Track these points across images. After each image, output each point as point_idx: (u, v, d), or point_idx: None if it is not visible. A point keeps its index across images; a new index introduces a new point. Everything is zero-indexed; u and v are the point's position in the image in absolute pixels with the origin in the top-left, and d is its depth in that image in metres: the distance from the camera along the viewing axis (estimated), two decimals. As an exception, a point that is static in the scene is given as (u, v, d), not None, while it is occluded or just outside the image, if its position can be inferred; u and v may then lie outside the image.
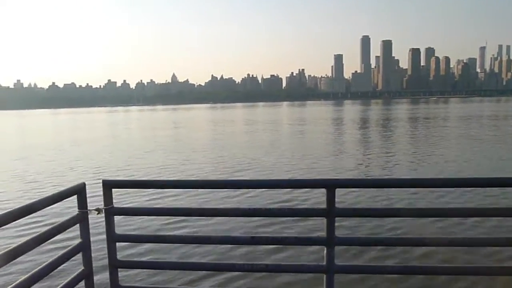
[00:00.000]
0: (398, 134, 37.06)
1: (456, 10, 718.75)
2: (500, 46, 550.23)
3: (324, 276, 3.19)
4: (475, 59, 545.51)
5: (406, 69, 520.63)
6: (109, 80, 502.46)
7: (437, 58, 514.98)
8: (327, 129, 44.80)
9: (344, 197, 11.59)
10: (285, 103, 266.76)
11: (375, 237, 3.74)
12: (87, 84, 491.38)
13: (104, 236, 3.45)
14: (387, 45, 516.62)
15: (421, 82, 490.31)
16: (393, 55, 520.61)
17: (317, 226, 8.45)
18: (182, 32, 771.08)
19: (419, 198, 11.82)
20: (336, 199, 3.04)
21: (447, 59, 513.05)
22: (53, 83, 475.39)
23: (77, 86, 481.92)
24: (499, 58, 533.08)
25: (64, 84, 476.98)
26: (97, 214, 3.27)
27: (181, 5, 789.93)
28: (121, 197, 11.95)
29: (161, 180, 4.23)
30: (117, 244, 3.45)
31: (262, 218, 9.27)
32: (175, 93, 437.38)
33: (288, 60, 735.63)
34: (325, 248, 3.14)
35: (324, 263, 3.16)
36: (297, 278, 6.68)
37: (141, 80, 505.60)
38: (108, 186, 3.30)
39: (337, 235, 3.12)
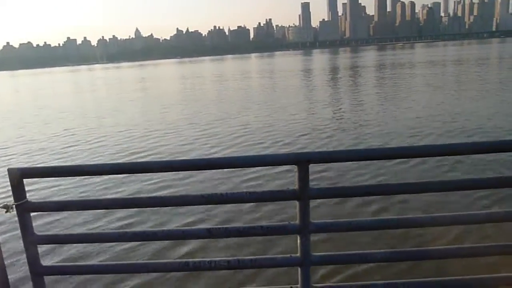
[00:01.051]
0: (368, 83, 38.20)
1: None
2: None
3: (299, 269, 2.79)
4: (439, 3, 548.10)
5: (373, 15, 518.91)
6: (68, 38, 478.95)
7: (403, 4, 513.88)
8: (295, 82, 45.48)
9: (320, 174, 9.89)
10: (253, 55, 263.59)
11: (359, 220, 3.04)
12: (45, 43, 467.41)
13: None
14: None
15: (387, 28, 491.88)
16: (359, 1, 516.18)
17: (287, 211, 7.50)
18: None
19: (412, 170, 10.28)
20: (310, 177, 2.60)
21: (412, 4, 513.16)
22: (8, 43, 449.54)
23: (34, 45, 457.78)
24: (462, 1, 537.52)
25: (20, 44, 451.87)
26: (6, 212, 2.56)
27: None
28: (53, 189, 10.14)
29: (92, 165, 3.22)
30: (42, 247, 2.91)
31: (219, 207, 8.08)
32: (140, 49, 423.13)
33: (255, 10, 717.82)
34: (298, 237, 2.72)
35: (298, 254, 2.74)
36: (267, 274, 5.80)
37: (102, 37, 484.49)
38: (17, 175, 2.55)
39: (313, 221, 2.70)
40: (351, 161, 2.82)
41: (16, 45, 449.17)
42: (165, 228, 3.13)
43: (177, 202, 2.99)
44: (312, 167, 2.59)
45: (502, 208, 7.09)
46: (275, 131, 16.64)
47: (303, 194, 2.62)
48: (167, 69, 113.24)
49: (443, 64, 55.29)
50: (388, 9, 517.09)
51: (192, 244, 6.82)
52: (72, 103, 34.72)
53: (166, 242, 6.62)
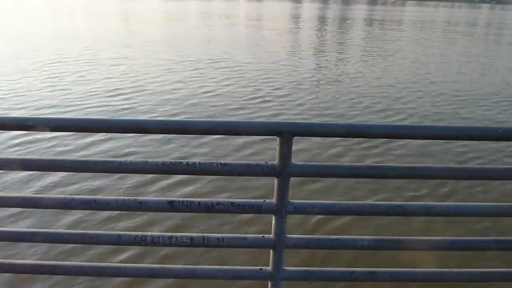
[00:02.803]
0: (356, 39, 38.19)
1: None
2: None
3: (271, 251, 2.52)
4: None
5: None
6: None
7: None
8: (281, 31, 45.02)
9: (304, 146, 8.84)
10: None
11: (344, 203, 2.43)
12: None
13: None
14: None
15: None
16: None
17: (265, 189, 6.63)
18: None
19: (419, 151, 9.17)
20: (293, 150, 2.26)
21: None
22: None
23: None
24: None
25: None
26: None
27: None
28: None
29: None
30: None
31: (182, 178, 7.00)
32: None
33: None
34: (274, 217, 2.44)
35: (272, 235, 2.45)
36: (236, 253, 5.16)
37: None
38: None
39: (292, 201, 2.42)
40: (349, 137, 2.31)
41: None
42: (119, 197, 2.39)
43: (132, 169, 2.43)
44: (297, 140, 2.21)
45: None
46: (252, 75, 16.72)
47: (284, 170, 2.27)
48: (146, 4, 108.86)
49: (431, 24, 55.38)
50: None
51: (148, 216, 6.01)
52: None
53: (119, 212, 5.79)
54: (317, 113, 12.14)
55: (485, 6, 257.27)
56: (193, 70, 18.15)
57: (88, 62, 18.30)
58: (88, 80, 14.88)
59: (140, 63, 19.18)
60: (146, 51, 22.09)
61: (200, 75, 17.16)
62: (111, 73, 16.18)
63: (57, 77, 15.23)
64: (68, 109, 11.52)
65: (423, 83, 16.36)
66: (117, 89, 14.03)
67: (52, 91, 13.11)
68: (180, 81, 15.93)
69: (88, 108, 11.59)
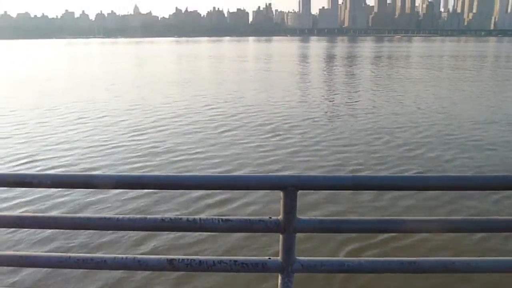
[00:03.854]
0: (363, 74, 39.33)
1: None
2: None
3: None
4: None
5: (373, 6, 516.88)
6: (66, 10, 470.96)
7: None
8: (291, 67, 46.49)
9: (308, 199, 8.09)
10: (251, 38, 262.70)
11: (355, 260, 2.27)
12: (43, 14, 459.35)
13: None
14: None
15: (386, 20, 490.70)
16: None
17: (269, 244, 6.30)
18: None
19: (435, 201, 8.27)
20: (298, 205, 2.18)
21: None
22: (5, 12, 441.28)
23: (32, 16, 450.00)
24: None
25: (17, 14, 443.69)
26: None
27: None
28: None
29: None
30: None
31: (182, 235, 6.80)
32: (138, 26, 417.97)
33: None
34: (280, 276, 2.33)
35: None
36: None
37: (101, 11, 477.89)
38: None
39: (298, 258, 2.33)
40: (356, 189, 2.30)
41: (14, 15, 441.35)
42: (116, 255, 2.46)
43: (130, 226, 2.39)
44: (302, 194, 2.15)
45: None
46: (263, 116, 16.74)
47: (289, 226, 2.21)
48: (162, 47, 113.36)
49: (439, 59, 56.90)
50: (388, 1, 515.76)
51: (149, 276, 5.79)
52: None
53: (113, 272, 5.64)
54: (330, 152, 11.87)
55: (492, 39, 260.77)
56: (208, 108, 18.64)
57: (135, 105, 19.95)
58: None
59: (153, 102, 20.35)
60: (159, 93, 23.73)
61: (216, 114, 17.57)
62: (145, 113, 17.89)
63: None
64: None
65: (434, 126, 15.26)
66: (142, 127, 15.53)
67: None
68: (197, 121, 16.26)
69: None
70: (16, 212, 7.07)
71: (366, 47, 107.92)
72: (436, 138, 13.66)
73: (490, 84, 28.27)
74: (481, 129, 14.95)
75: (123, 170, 10.56)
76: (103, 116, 17.22)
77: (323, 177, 2.39)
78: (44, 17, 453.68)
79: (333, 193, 8.19)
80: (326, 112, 18.38)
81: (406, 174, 9.74)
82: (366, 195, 8.38)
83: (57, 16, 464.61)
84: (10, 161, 11.27)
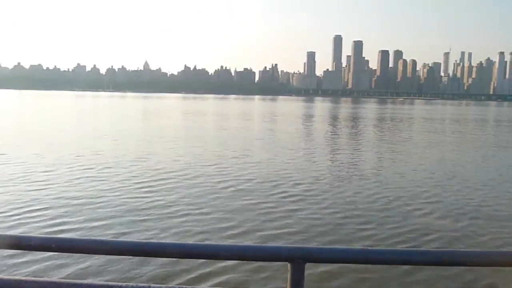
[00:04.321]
0: (368, 136, 39.66)
1: (423, 16, 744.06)
2: (463, 53, 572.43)
3: None
4: (439, 64, 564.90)
5: (375, 69, 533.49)
6: (78, 64, 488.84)
7: (405, 61, 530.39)
8: (296, 127, 46.99)
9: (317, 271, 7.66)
10: (257, 97, 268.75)
11: None
12: (55, 66, 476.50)
13: None
14: (358, 46, 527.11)
15: (389, 83, 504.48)
16: (363, 55, 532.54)
17: None
18: (156, 20, 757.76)
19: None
20: (306, 277, 2.05)
21: (414, 62, 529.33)
22: (19, 63, 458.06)
23: (44, 68, 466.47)
24: (461, 64, 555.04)
25: (31, 65, 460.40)
26: None
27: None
28: None
29: None
30: None
31: None
32: (147, 81, 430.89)
33: (262, 54, 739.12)
34: None
35: None
36: None
37: (112, 66, 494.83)
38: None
39: None
40: (365, 263, 2.24)
41: (27, 66, 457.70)
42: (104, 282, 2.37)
43: None
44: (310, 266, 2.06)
45: None
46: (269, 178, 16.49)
47: None
48: (169, 103, 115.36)
49: (442, 122, 57.62)
50: (391, 65, 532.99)
51: None
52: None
53: None
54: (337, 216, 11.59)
55: (492, 103, 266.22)
56: (212, 165, 18.68)
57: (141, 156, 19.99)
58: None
59: (157, 156, 20.47)
60: (169, 147, 24.13)
61: (220, 170, 17.61)
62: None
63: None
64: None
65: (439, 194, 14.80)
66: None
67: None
68: (201, 175, 16.44)
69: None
70: (17, 276, 6.47)
71: (370, 108, 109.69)
72: (443, 202, 13.50)
73: (493, 148, 28.31)
74: (487, 193, 14.90)
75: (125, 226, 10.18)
76: (105, 168, 17.28)
77: (333, 249, 2.30)
78: (56, 69, 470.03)
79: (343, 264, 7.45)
80: (333, 174, 18.23)
81: (418, 248, 9.29)
82: (377, 267, 7.75)
83: (68, 69, 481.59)
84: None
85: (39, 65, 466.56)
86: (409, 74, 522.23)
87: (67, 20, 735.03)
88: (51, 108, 72.14)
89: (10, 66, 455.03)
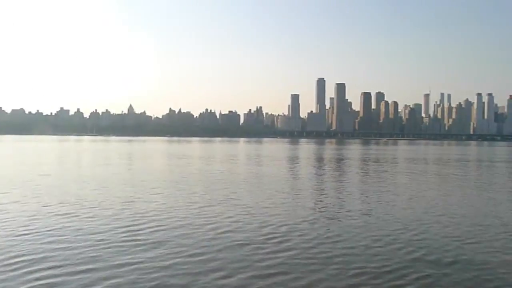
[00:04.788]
0: (356, 178, 39.09)
1: (403, 59, 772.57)
2: (442, 94, 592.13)
3: None
4: (420, 105, 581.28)
5: (358, 111, 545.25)
6: (61, 108, 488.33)
7: (387, 102, 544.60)
8: (281, 170, 46.28)
9: None
10: (242, 139, 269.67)
11: None
12: (37, 110, 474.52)
13: None
14: (340, 88, 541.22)
15: (372, 124, 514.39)
16: (346, 97, 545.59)
17: None
18: (141, 64, 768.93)
19: None
20: None
21: (396, 104, 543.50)
22: (0, 107, 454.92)
23: (27, 112, 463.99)
24: (441, 105, 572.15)
25: (12, 110, 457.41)
26: None
27: (141, 37, 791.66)
28: None
29: None
30: None
31: None
32: (132, 125, 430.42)
33: (246, 97, 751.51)
34: None
35: None
36: None
37: (95, 110, 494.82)
38: None
39: None
40: None
41: (8, 111, 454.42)
42: None
43: None
44: None
45: None
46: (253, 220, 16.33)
47: None
48: (153, 146, 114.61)
49: (425, 162, 57.51)
50: (373, 106, 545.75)
51: None
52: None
53: None
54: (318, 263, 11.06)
55: (472, 143, 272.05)
56: (197, 208, 18.33)
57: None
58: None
59: (141, 203, 19.33)
60: (146, 193, 22.58)
61: (208, 213, 17.46)
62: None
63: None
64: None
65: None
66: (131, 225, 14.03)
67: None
68: (185, 217, 16.34)
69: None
70: None
71: (354, 149, 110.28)
72: (431, 239, 13.90)
73: (477, 188, 27.67)
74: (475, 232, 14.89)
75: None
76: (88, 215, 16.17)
77: None
78: (38, 113, 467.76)
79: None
80: (319, 214, 17.86)
81: None
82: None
83: (51, 113, 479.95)
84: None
85: (21, 109, 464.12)
86: (391, 115, 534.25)
87: (50, 64, 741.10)
88: (32, 153, 70.30)
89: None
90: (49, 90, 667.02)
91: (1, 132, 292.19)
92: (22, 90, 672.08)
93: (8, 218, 16.06)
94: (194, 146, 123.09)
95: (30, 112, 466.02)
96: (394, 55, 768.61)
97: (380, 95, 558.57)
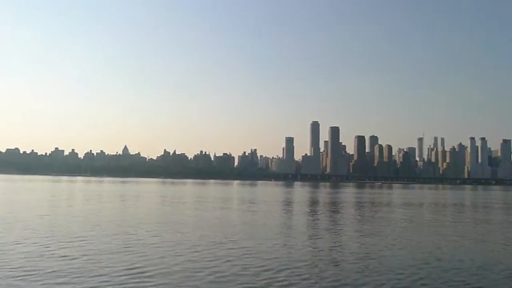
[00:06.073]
0: (348, 221, 38.57)
1: (396, 104, 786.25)
2: (436, 138, 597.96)
3: None
4: (414, 149, 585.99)
5: (353, 154, 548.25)
6: (56, 148, 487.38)
7: (381, 146, 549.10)
8: (276, 215, 45.61)
9: None
10: (236, 182, 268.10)
11: None
12: (32, 150, 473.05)
13: None
14: (334, 131, 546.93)
15: (366, 167, 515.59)
16: (340, 140, 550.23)
17: None
18: (137, 105, 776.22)
19: None
20: None
21: (390, 147, 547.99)
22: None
23: (21, 152, 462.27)
24: (435, 148, 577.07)
25: (7, 149, 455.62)
26: None
27: (136, 81, 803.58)
28: None
29: None
30: None
31: None
32: (126, 166, 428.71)
33: (241, 139, 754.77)
34: None
35: None
36: None
37: (90, 150, 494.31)
38: None
39: None
40: None
41: (3, 150, 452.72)
42: None
43: None
44: None
45: None
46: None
47: None
48: (146, 188, 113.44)
49: (420, 207, 56.98)
50: (367, 149, 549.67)
51: None
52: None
53: None
54: None
55: (467, 187, 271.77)
56: (194, 252, 18.36)
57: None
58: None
59: (137, 246, 18.93)
60: (149, 233, 21.95)
61: (201, 258, 17.20)
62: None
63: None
64: None
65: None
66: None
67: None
68: (181, 262, 15.88)
69: None
70: None
71: (349, 193, 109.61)
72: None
73: (477, 234, 27.17)
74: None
75: None
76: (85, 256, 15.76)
77: None
78: (33, 153, 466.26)
79: None
80: (316, 259, 17.80)
81: None
82: None
83: (46, 153, 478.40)
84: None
85: (16, 149, 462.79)
86: (385, 159, 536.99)
87: (46, 103, 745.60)
88: (27, 193, 69.21)
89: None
90: (45, 131, 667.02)
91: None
92: (17, 130, 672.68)
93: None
94: (188, 188, 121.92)
95: (25, 152, 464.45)
96: (388, 99, 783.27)
97: (374, 139, 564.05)
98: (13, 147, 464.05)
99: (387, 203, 65.35)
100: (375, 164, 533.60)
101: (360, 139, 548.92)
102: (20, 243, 19.67)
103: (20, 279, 13.21)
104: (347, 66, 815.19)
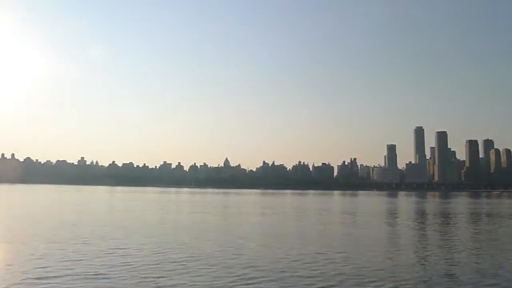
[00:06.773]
0: (475, 237, 34.02)
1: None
2: None
3: None
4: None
5: (464, 161, 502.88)
6: (164, 162, 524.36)
7: (497, 150, 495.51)
8: (380, 229, 42.36)
9: None
10: (336, 192, 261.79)
11: None
12: (144, 164, 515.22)
13: None
14: (442, 136, 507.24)
15: (481, 174, 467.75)
16: (449, 146, 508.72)
17: None
18: (237, 118, 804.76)
19: None
20: None
21: (508, 151, 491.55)
22: (113, 161, 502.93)
23: (135, 166, 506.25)
24: None
25: (123, 164, 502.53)
26: None
27: (235, 95, 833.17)
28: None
29: None
30: None
31: None
32: (227, 177, 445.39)
33: (340, 148, 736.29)
34: None
35: None
36: None
37: (194, 163, 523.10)
38: None
39: None
40: None
41: (120, 164, 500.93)
42: None
43: None
44: None
45: None
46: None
47: None
48: (248, 198, 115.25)
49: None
50: (481, 155, 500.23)
51: None
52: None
53: None
54: None
55: None
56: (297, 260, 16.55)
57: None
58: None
59: (240, 257, 18.09)
60: (245, 247, 21.21)
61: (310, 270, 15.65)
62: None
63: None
64: None
65: None
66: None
67: None
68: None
69: None
70: None
71: (462, 203, 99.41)
72: None
73: None
74: None
75: None
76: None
77: None
78: (145, 167, 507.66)
79: None
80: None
81: None
82: None
83: (156, 166, 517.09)
84: None
85: (130, 163, 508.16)
86: (503, 164, 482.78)
87: (155, 121, 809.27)
88: (141, 203, 74.57)
89: (106, 164, 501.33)
90: (155, 146, 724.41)
91: (113, 184, 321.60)
92: (131, 146, 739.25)
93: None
94: (288, 199, 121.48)
95: (138, 166, 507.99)
96: (502, 97, 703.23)
97: (488, 143, 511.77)
98: (127, 162, 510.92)
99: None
100: (492, 171, 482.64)
101: (472, 144, 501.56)
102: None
103: None
104: (449, 59, 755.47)
